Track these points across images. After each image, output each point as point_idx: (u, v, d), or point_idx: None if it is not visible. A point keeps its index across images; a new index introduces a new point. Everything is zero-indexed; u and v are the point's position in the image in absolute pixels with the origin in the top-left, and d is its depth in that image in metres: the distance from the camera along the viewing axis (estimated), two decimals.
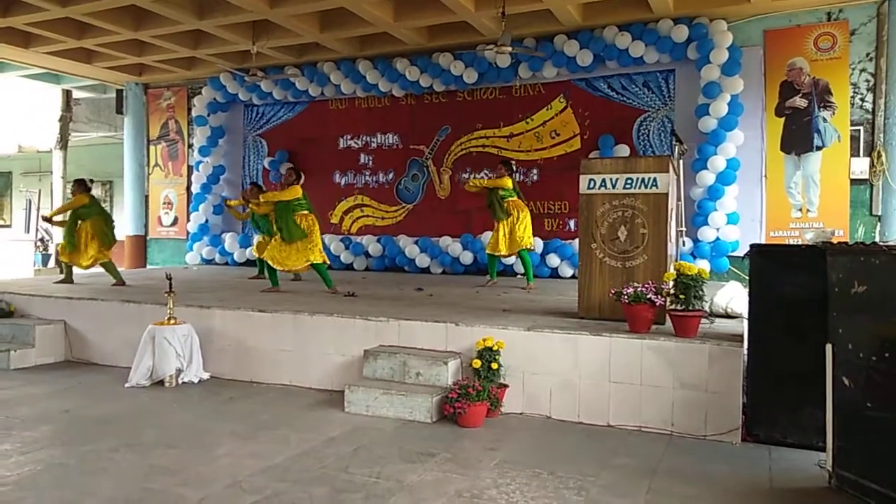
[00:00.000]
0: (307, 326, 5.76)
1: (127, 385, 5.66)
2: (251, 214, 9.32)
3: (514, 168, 8.75)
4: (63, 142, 14.83)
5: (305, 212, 7.55)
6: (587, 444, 4.32)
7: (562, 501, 3.39)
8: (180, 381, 5.75)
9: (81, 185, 8.47)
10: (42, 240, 16.78)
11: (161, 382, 5.69)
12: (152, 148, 13.45)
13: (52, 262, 15.27)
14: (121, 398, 5.36)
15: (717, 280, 8.14)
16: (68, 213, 8.45)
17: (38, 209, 17.48)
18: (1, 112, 16.32)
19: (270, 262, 7.49)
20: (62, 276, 8.74)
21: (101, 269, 8.53)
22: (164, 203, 13.27)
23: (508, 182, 8.04)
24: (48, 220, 8.84)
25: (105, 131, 15.96)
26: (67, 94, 14.75)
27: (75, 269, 8.60)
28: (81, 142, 16.16)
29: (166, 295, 5.86)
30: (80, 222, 8.33)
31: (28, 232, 17.75)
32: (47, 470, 3.75)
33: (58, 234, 14.84)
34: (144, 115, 13.42)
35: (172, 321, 5.84)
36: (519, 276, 9.90)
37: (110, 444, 4.17)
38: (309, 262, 7.44)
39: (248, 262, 11.88)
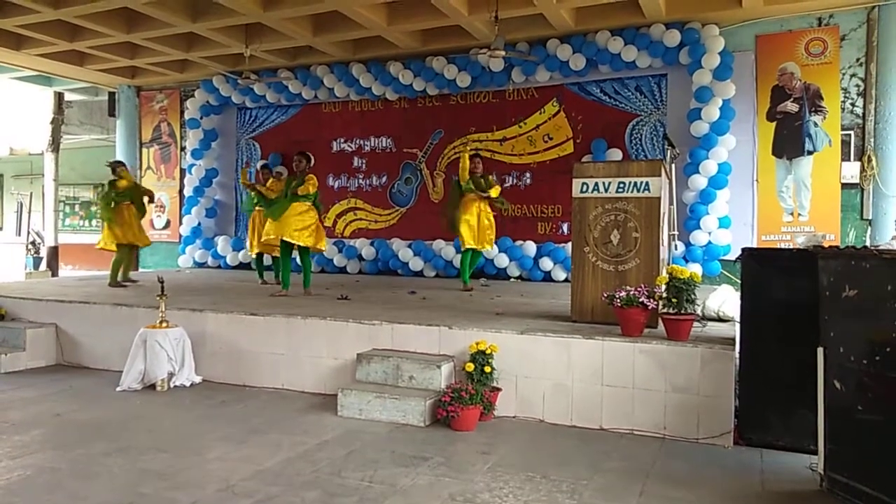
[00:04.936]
0: (300, 330, 5.75)
1: (118, 389, 5.63)
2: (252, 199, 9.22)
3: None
4: (55, 144, 14.75)
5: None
6: (580, 448, 4.32)
7: None
8: (172, 385, 5.73)
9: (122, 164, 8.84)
10: (34, 243, 16.67)
11: (153, 386, 5.67)
12: (145, 151, 13.39)
13: (43, 265, 15.17)
14: (112, 402, 5.34)
15: (709, 284, 8.16)
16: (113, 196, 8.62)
17: (30, 212, 17.38)
18: None
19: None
20: (112, 279, 8.54)
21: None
22: (157, 206, 13.20)
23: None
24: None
25: (97, 134, 15.89)
26: (59, 97, 14.67)
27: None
28: (73, 144, 16.08)
29: (158, 298, 5.85)
30: (123, 203, 8.64)
31: (20, 235, 17.64)
32: (38, 475, 3.73)
33: (49, 238, 14.81)
34: (137, 118, 13.36)
35: (164, 324, 5.82)
36: (512, 280, 9.93)
37: (101, 449, 4.15)
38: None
39: (242, 265, 11.83)
